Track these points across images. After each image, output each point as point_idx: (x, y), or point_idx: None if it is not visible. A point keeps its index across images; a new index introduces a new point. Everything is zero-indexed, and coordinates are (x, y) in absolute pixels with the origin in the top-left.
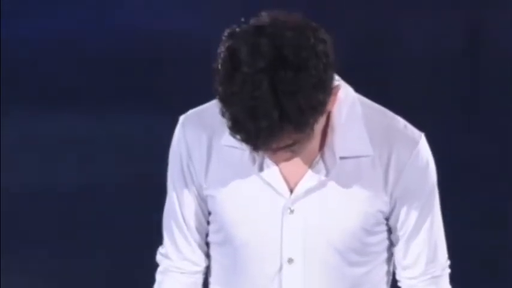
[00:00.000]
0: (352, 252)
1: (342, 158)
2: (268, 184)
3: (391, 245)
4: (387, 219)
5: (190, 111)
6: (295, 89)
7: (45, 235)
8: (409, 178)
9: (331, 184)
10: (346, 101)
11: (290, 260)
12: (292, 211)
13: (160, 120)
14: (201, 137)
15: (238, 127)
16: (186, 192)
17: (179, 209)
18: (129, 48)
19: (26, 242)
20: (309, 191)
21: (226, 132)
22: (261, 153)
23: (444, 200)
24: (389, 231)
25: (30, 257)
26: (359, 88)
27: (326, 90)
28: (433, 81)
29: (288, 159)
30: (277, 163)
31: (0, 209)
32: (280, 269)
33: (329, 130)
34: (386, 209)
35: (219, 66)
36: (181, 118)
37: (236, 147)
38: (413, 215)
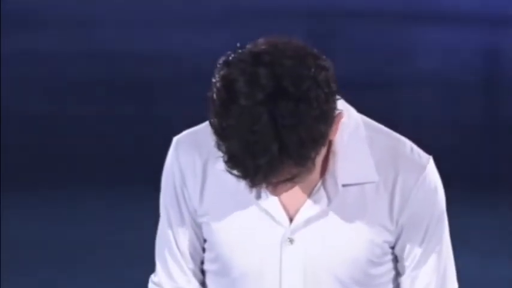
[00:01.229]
0: (355, 285)
1: (344, 185)
2: (267, 212)
3: (398, 275)
4: (393, 247)
5: (184, 132)
6: (296, 122)
7: None
8: (416, 204)
9: (333, 213)
10: (349, 124)
11: None
12: (291, 241)
13: None
14: (195, 160)
15: (235, 162)
16: (179, 218)
17: (172, 235)
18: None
19: None
20: (310, 221)
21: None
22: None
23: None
24: (395, 260)
25: None
26: (372, 108)
27: (328, 121)
28: (445, 103)
29: (287, 190)
30: (276, 195)
31: None
32: None
33: (331, 156)
34: (392, 238)
35: (214, 96)
36: (175, 140)
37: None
38: (421, 243)
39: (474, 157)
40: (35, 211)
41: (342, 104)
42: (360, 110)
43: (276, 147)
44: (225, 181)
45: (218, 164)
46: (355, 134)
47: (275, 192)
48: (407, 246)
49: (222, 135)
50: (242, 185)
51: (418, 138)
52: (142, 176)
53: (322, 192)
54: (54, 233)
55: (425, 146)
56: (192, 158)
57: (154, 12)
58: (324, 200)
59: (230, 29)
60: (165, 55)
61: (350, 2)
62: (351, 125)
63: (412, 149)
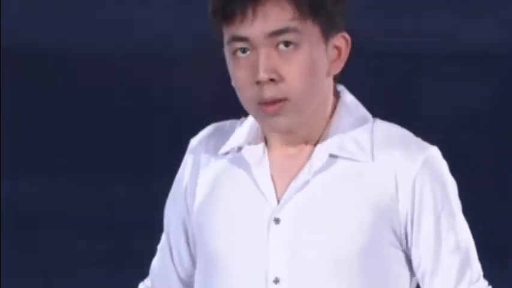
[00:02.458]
0: (354, 277)
1: (332, 155)
2: (256, 186)
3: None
4: (401, 244)
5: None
6: None
7: None
8: (421, 191)
9: (319, 187)
10: (349, 104)
11: (276, 280)
12: (277, 221)
13: None
14: (200, 151)
15: None
16: (176, 224)
17: (168, 244)
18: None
19: None
20: (293, 195)
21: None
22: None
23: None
24: (407, 262)
25: None
26: None
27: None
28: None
29: (273, 97)
30: (262, 71)
31: None
32: None
33: (326, 129)
34: (397, 228)
35: None
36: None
37: (229, 152)
38: (433, 236)
39: None
40: None
41: (344, 90)
42: None
43: None
44: (220, 168)
45: (220, 150)
46: (355, 112)
47: (262, 59)
48: (421, 242)
49: None
50: (238, 158)
51: None
52: None
53: (308, 164)
54: None
55: None
56: (203, 144)
57: None
58: (309, 170)
59: None
60: None
61: None
62: (352, 105)
63: (416, 137)
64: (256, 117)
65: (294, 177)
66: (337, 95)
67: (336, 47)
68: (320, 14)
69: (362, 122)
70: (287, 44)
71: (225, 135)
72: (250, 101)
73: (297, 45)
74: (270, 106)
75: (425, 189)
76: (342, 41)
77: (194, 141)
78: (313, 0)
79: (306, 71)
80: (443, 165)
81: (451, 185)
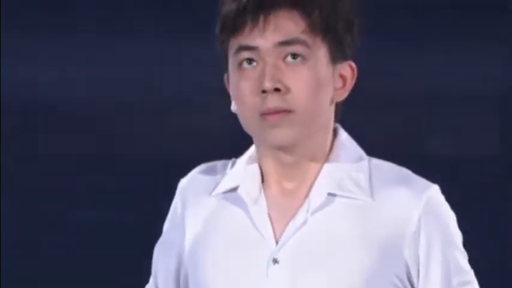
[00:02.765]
0: None
1: (331, 194)
2: (253, 225)
3: None
4: (404, 285)
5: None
6: None
7: None
8: (428, 235)
9: (317, 226)
10: (346, 143)
11: None
12: (276, 261)
13: None
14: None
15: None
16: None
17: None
18: None
19: None
20: (292, 235)
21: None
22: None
23: None
24: None
25: None
26: None
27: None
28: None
29: (277, 108)
30: (268, 78)
31: None
32: None
33: (323, 166)
34: (400, 269)
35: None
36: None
37: (227, 192)
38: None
39: None
40: None
41: (339, 127)
42: None
43: None
44: (213, 208)
45: (215, 190)
46: (351, 150)
47: (269, 74)
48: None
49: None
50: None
51: None
52: None
53: (307, 202)
54: None
55: None
56: (197, 183)
57: None
58: (308, 209)
59: None
60: None
61: None
62: (347, 143)
63: (415, 175)
64: (256, 130)
65: (292, 216)
66: (334, 131)
67: (342, 76)
68: (330, 33)
69: (358, 160)
70: (295, 56)
71: (217, 176)
72: (252, 111)
73: (304, 59)
74: (272, 115)
75: (431, 233)
76: (348, 70)
77: (183, 182)
78: (326, 18)
79: (311, 86)
80: (445, 205)
81: (453, 220)
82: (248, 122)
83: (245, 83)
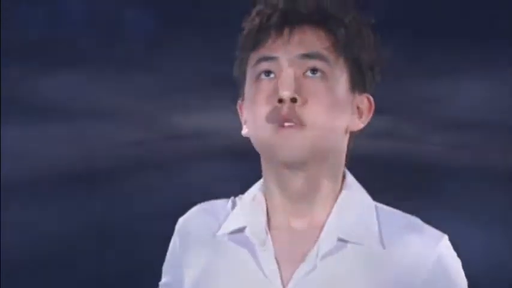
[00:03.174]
0: None
1: (341, 239)
2: (260, 268)
3: None
4: None
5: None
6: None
7: None
8: (433, 280)
9: (329, 273)
10: (355, 190)
11: None
12: None
13: None
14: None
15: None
16: None
17: None
18: None
19: None
20: (301, 280)
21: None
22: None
23: None
24: None
25: None
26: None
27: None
28: None
29: (291, 116)
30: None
31: None
32: None
33: (333, 210)
34: None
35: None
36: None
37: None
38: None
39: None
40: None
41: (346, 171)
42: None
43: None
44: (215, 249)
45: (219, 231)
46: (359, 194)
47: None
48: None
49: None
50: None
51: None
52: None
53: (316, 246)
54: None
55: None
56: (197, 226)
57: None
58: (317, 253)
59: None
60: None
61: None
62: (354, 187)
63: (424, 224)
64: (266, 143)
65: (300, 260)
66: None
67: (359, 108)
68: (353, 57)
69: (367, 205)
70: (315, 71)
71: (218, 215)
72: (265, 121)
73: (324, 75)
74: (285, 128)
75: (441, 283)
76: (365, 103)
77: (182, 221)
78: (350, 40)
79: (328, 103)
80: (455, 258)
81: (462, 275)
82: (259, 135)
83: (261, 94)
